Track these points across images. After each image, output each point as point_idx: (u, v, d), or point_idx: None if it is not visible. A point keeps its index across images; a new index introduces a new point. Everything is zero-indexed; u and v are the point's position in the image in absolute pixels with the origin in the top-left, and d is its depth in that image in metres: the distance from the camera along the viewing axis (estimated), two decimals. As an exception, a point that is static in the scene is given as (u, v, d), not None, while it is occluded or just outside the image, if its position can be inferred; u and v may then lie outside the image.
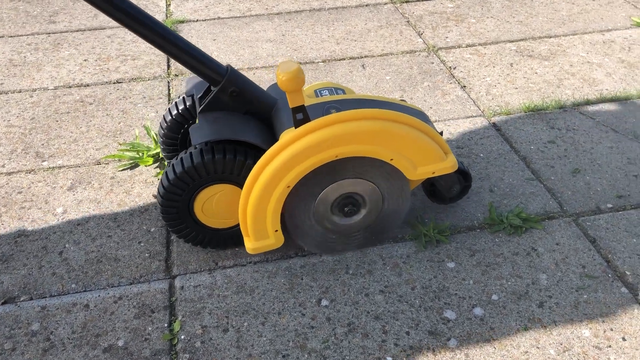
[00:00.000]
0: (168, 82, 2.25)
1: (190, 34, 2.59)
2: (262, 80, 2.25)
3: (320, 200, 1.39)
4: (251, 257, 1.50)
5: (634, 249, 1.51)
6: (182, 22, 2.69)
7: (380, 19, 2.70)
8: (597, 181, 1.74)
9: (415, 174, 1.38)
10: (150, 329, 1.33)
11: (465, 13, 2.74)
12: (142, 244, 1.54)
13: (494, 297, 1.39)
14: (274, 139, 1.42)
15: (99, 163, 1.83)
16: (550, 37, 2.52)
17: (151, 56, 2.42)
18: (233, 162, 1.35)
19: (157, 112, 2.07)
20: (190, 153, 1.35)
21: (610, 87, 2.17)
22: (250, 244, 1.38)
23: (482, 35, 2.55)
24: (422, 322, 1.34)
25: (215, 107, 1.40)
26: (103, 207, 1.66)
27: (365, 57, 2.41)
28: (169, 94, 2.18)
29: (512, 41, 2.50)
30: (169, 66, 2.35)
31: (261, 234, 1.37)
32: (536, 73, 2.27)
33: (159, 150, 1.83)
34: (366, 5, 2.84)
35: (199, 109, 1.41)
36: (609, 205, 1.65)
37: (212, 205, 1.42)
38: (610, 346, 1.28)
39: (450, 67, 2.32)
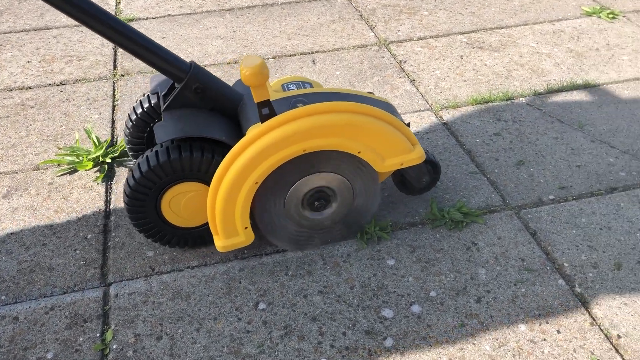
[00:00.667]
0: (113, 83, 2.20)
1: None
2: (211, 78, 2.21)
3: (290, 195, 1.38)
4: (189, 262, 1.47)
5: (573, 240, 1.52)
6: (131, 20, 2.63)
7: (333, 13, 2.68)
8: (541, 173, 1.74)
9: (383, 166, 1.38)
10: (81, 339, 1.30)
11: (419, 5, 2.73)
12: (77, 252, 1.50)
13: (432, 293, 1.39)
14: (240, 134, 1.40)
15: (37, 169, 1.78)
16: (502, 28, 2.53)
17: (97, 56, 2.36)
18: (199, 159, 1.33)
19: (100, 114, 2.02)
20: (156, 151, 1.33)
21: (558, 78, 2.17)
22: (220, 242, 1.37)
23: (433, 27, 2.54)
24: (360, 322, 1.32)
25: (180, 104, 1.38)
26: (39, 214, 1.62)
27: (316, 52, 2.39)
28: (114, 95, 2.13)
29: (464, 33, 2.50)
30: (115, 66, 2.30)
31: (231, 231, 1.36)
32: (485, 65, 2.26)
33: (99, 153, 1.78)
34: (319, 0, 2.82)
35: (163, 107, 1.39)
36: (551, 197, 1.65)
37: (179, 203, 1.40)
38: (545, 339, 1.28)
39: (400, 61, 2.31)
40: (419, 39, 2.46)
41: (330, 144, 1.29)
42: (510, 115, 1.99)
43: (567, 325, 1.31)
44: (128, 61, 2.32)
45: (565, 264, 1.45)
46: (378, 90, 2.13)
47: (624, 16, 2.58)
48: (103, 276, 1.44)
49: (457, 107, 2.03)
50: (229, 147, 1.34)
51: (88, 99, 2.11)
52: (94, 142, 1.84)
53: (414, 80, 2.19)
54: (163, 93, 1.44)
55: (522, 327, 1.31)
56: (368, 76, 2.22)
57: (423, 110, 2.02)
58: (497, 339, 1.28)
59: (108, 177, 1.75)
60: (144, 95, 1.55)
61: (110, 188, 1.71)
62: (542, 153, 1.82)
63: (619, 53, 2.31)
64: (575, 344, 1.27)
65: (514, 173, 1.74)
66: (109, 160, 1.78)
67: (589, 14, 2.60)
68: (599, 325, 1.31)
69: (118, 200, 1.66)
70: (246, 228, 1.36)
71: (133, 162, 1.72)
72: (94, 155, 1.78)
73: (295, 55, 2.37)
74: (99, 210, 1.63)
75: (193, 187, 1.38)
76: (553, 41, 2.41)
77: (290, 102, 1.39)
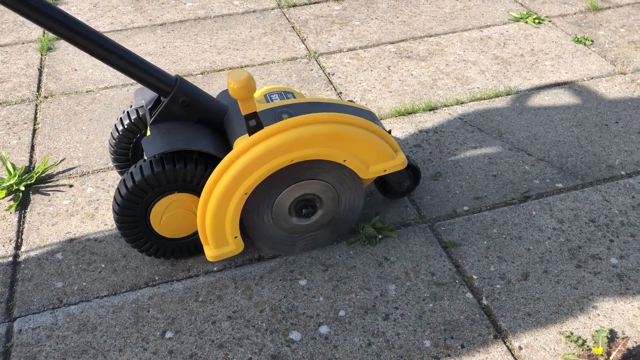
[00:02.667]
0: (36, 106, 2.15)
1: (67, 52, 2.49)
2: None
3: (278, 203, 1.42)
4: (98, 292, 1.45)
5: (483, 252, 1.54)
6: (59, 39, 2.58)
7: (266, 26, 2.67)
8: (457, 184, 1.77)
9: (367, 173, 1.43)
10: (-20, 379, 1.27)
11: (351, 15, 2.74)
12: (-17, 286, 1.47)
13: (342, 313, 1.39)
14: (227, 146, 1.43)
15: (-52, 199, 1.74)
16: (431, 36, 2.55)
17: (21, 78, 2.31)
18: (187, 171, 1.36)
19: (19, 138, 1.98)
20: (141, 166, 1.35)
21: (482, 86, 2.21)
22: (210, 252, 1.40)
23: (364, 38, 2.56)
24: (267, 347, 1.32)
25: (167, 117, 1.40)
26: (-54, 248, 1.58)
27: (245, 66, 2.38)
28: (35, 119, 2.08)
29: (393, 42, 2.51)
30: (39, 88, 2.26)
31: (221, 241, 1.39)
32: (412, 75, 2.28)
33: (13, 181, 1.74)
34: (253, 12, 2.81)
35: (150, 121, 1.40)
36: (465, 208, 1.67)
37: (168, 215, 1.42)
38: (449, 355, 1.30)
39: (328, 74, 2.31)
40: (349, 50, 2.47)
41: (316, 153, 1.34)
42: (431, 125, 2.01)
43: (472, 340, 1.33)
44: (53, 82, 2.28)
45: (474, 277, 1.47)
46: (304, 104, 2.13)
47: (549, 21, 2.63)
48: (8, 311, 1.41)
49: (381, 119, 2.05)
50: (217, 159, 1.37)
51: (8, 124, 2.06)
52: (7, 169, 1.80)
53: (340, 92, 2.20)
54: (149, 107, 1.46)
55: (427, 343, 1.32)
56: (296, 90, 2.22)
57: (347, 124, 2.03)
58: (401, 357, 1.29)
59: (22, 206, 1.71)
60: (128, 108, 1.57)
61: (24, 217, 1.68)
62: (460, 163, 1.84)
63: (542, 58, 2.35)
64: (478, 358, 1.29)
65: (430, 185, 1.76)
66: (22, 188, 1.74)
67: (516, 20, 2.65)
68: (502, 338, 1.33)
69: (31, 230, 1.63)
70: (236, 237, 1.40)
71: (118, 174, 1.74)
72: (8, 184, 1.74)
73: (224, 70, 2.35)
74: (10, 240, 1.60)
75: (182, 198, 1.41)
76: (480, 48, 2.45)
77: (276, 113, 1.43)
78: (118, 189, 1.38)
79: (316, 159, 1.36)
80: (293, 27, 2.66)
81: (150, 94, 1.52)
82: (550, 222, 1.62)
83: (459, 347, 1.31)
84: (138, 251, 1.49)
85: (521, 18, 2.64)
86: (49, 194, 1.75)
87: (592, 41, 2.45)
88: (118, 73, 2.33)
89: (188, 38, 2.59)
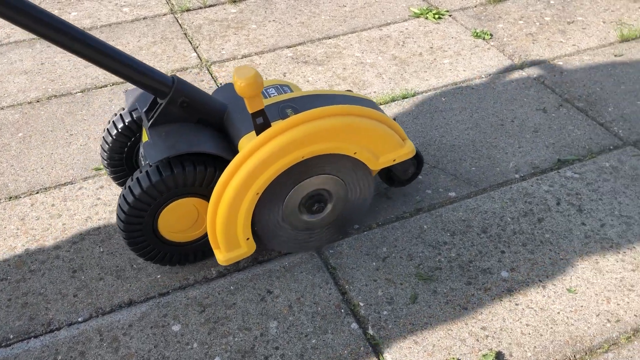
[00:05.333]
0: None
1: None
2: (7, 121, 1.98)
3: (288, 201, 1.39)
4: (-58, 359, 1.29)
5: (372, 275, 1.46)
6: None
7: (156, 34, 2.50)
8: (349, 199, 1.68)
9: (377, 164, 1.42)
10: None
11: (248, 18, 2.61)
12: None
13: (217, 359, 1.28)
14: (230, 145, 1.39)
15: None
16: (329, 38, 2.45)
17: None
18: (194, 174, 1.32)
19: None
20: (148, 171, 1.30)
21: (379, 90, 2.13)
22: (221, 256, 1.37)
23: (260, 42, 2.43)
24: (131, 407, 1.20)
25: (165, 119, 1.35)
26: None
27: (131, 81, 2.21)
28: None
29: (290, 46, 2.40)
30: None
31: (232, 244, 1.36)
32: (308, 81, 2.18)
33: None
34: (143, 19, 2.63)
35: (148, 124, 1.35)
36: (355, 226, 1.59)
37: (176, 220, 1.38)
38: (330, 397, 1.21)
39: (220, 84, 2.18)
40: (243, 56, 2.34)
41: (327, 148, 1.31)
42: (325, 136, 1.92)
43: (355, 377, 1.25)
44: None
45: (361, 304, 1.39)
46: (192, 120, 1.99)
47: (450, 15, 2.58)
48: None
49: (273, 132, 1.94)
50: (221, 159, 1.34)
51: None
52: None
53: (232, 104, 2.07)
54: (144, 109, 1.39)
55: (308, 385, 1.23)
56: (183, 104, 2.07)
57: (237, 139, 1.91)
58: (280, 405, 1.20)
59: None
60: (120, 111, 1.50)
61: None
62: (353, 177, 1.76)
63: (440, 57, 2.30)
64: (361, 397, 1.21)
65: (321, 203, 1.67)
66: None
67: (417, 16, 2.58)
68: (387, 372, 1.26)
69: None
70: (248, 239, 1.37)
71: (113, 180, 1.64)
72: None
73: (106, 86, 2.18)
74: None
75: (189, 202, 1.36)
76: (379, 49, 2.36)
77: (279, 108, 1.40)
78: (123, 196, 1.32)
79: (326, 154, 1.34)
80: (185, 34, 2.50)
81: (142, 95, 1.47)
82: (442, 236, 1.55)
83: (341, 387, 1.22)
84: (144, 260, 1.43)
85: (421, 14, 2.57)
86: None
87: (491, 35, 2.41)
88: None
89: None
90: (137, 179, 1.30)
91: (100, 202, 1.67)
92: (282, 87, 1.52)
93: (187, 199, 1.35)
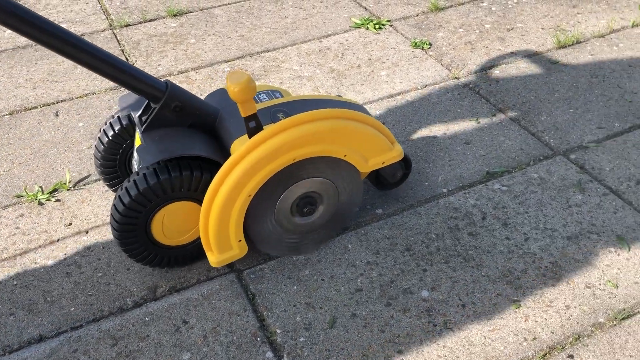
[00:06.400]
0: None
1: None
2: None
3: (280, 203, 1.42)
4: None
5: (291, 299, 1.43)
6: None
7: (92, 51, 2.45)
8: (275, 220, 1.66)
9: (366, 167, 1.47)
10: None
11: (187, 32, 2.57)
12: None
13: (125, 396, 1.25)
14: (222, 149, 1.43)
15: None
16: (269, 51, 2.43)
17: None
18: (188, 178, 1.34)
19: None
20: (144, 174, 1.32)
21: (314, 103, 2.11)
22: (214, 258, 1.39)
23: (198, 57, 2.39)
24: None
25: (159, 124, 1.38)
26: None
27: (62, 101, 2.16)
28: None
29: (228, 61, 2.37)
30: None
31: (225, 246, 1.39)
32: (243, 97, 2.15)
33: None
34: (81, 35, 2.57)
35: (141, 128, 1.38)
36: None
37: (169, 223, 1.40)
38: None
39: (154, 102, 2.14)
40: (180, 72, 2.30)
41: (318, 150, 1.36)
42: (256, 154, 1.89)
43: (265, 409, 1.22)
44: None
45: (278, 331, 1.36)
46: (121, 141, 1.95)
47: (391, 25, 2.57)
48: None
49: (203, 152, 1.90)
50: (213, 163, 1.37)
51: None
52: None
53: (164, 123, 2.03)
54: (138, 114, 1.42)
55: (217, 420, 1.20)
56: (114, 125, 2.03)
57: (166, 160, 1.87)
58: None
59: None
60: (113, 116, 1.53)
61: None
62: (281, 196, 1.73)
63: (378, 68, 2.28)
64: None
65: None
66: None
67: (357, 26, 2.56)
68: (299, 402, 1.23)
69: None
70: (240, 241, 1.40)
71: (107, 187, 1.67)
72: None
73: (36, 107, 2.12)
74: None
75: (182, 206, 1.39)
76: (317, 61, 2.34)
77: (270, 113, 1.44)
78: (119, 197, 1.34)
79: (316, 156, 1.37)
80: (122, 50, 2.45)
81: (134, 100, 1.49)
82: (365, 256, 1.53)
83: (251, 421, 1.20)
84: (136, 262, 1.45)
85: (362, 24, 2.55)
86: None
87: (430, 45, 2.40)
88: None
89: (1, 72, 2.33)
90: (134, 180, 1.33)
91: (18, 231, 1.63)
92: (273, 93, 1.57)
93: (179, 202, 1.39)
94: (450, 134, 1.94)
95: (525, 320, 1.37)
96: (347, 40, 2.48)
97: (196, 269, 1.51)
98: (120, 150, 1.55)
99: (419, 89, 2.16)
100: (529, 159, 1.83)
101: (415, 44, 2.40)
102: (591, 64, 2.27)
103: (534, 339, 1.33)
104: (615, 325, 1.35)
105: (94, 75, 2.30)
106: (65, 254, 1.56)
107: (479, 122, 1.99)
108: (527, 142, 1.90)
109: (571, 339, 1.33)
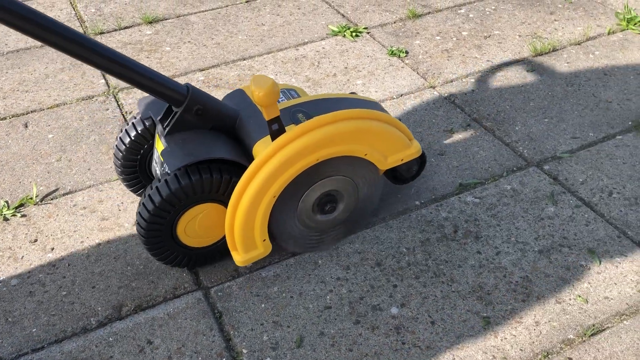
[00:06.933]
0: None
1: None
2: None
3: (303, 202, 1.45)
4: None
5: (259, 318, 1.41)
6: None
7: (65, 60, 2.41)
8: (245, 235, 1.63)
9: (386, 164, 1.50)
10: None
11: (163, 40, 2.54)
12: None
13: (85, 421, 1.22)
14: (245, 151, 1.44)
15: None
16: (244, 59, 2.40)
17: None
18: (213, 181, 1.36)
19: None
20: (166, 180, 1.34)
21: (289, 113, 2.08)
22: (239, 257, 1.43)
23: (172, 66, 2.36)
24: None
25: (181, 127, 1.39)
26: None
27: (32, 112, 2.12)
28: None
29: (203, 69, 2.34)
30: None
31: (250, 246, 1.42)
32: (216, 107, 2.12)
33: None
34: (54, 43, 2.53)
35: (164, 132, 1.39)
36: (249, 265, 1.54)
37: (194, 225, 1.42)
38: None
39: (126, 112, 2.11)
40: (153, 82, 2.27)
41: (340, 150, 1.39)
42: (228, 166, 1.87)
43: None
44: None
45: (244, 350, 1.34)
46: (91, 153, 1.92)
47: (368, 32, 2.55)
48: None
49: (175, 164, 1.87)
50: (237, 165, 1.40)
51: None
52: None
53: (135, 135, 2.00)
54: (159, 117, 1.44)
55: None
56: (84, 136, 1.99)
57: (136, 173, 1.84)
58: None
59: None
60: (134, 119, 1.54)
61: None
62: (252, 210, 1.71)
63: (354, 77, 2.27)
64: None
65: (215, 241, 1.62)
66: None
67: (335, 34, 2.54)
68: None
69: None
70: (264, 240, 1.43)
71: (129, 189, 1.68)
72: None
73: (5, 119, 2.08)
74: None
75: (206, 208, 1.41)
76: (293, 70, 2.32)
77: (290, 113, 1.47)
78: (144, 204, 1.36)
79: (338, 156, 1.41)
80: (96, 58, 2.41)
81: (154, 103, 1.50)
82: (336, 271, 1.51)
83: None
84: (162, 263, 1.48)
85: (339, 32, 2.54)
86: None
87: (406, 53, 2.39)
88: None
89: (-29, 82, 2.29)
90: (157, 187, 1.35)
91: (-18, 248, 1.59)
92: (289, 92, 1.60)
93: (204, 205, 1.41)
94: (424, 145, 1.92)
95: (495, 338, 1.35)
96: (323, 48, 2.46)
97: (163, 286, 1.48)
98: (142, 151, 1.56)
99: (394, 98, 2.15)
100: (502, 170, 1.82)
101: (392, 52, 2.38)
102: (567, 72, 2.27)
103: (504, 357, 1.32)
104: (584, 341, 1.35)
105: (66, 84, 2.26)
106: (29, 272, 1.52)
107: (453, 133, 1.97)
108: (500, 153, 1.89)
109: (540, 357, 1.32)
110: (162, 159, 1.41)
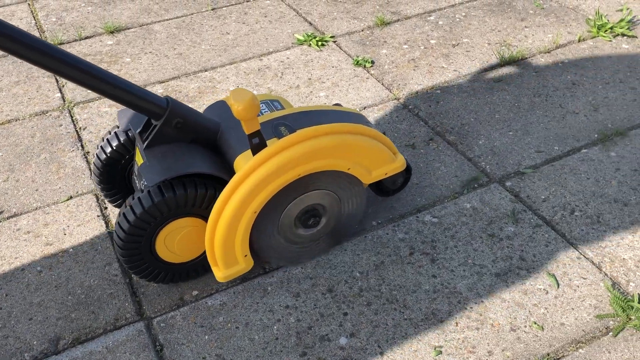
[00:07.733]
0: None
1: None
2: None
3: (285, 216, 1.42)
4: None
5: (201, 350, 1.35)
6: None
7: (21, 72, 2.34)
8: (193, 260, 1.57)
9: (370, 178, 1.48)
10: None
11: (123, 51, 2.47)
12: None
13: None
14: (225, 164, 1.42)
15: None
16: (206, 71, 2.34)
17: None
18: (192, 195, 1.33)
19: None
20: (149, 191, 1.31)
21: (248, 128, 2.02)
22: (220, 273, 1.40)
23: (131, 78, 2.30)
24: None
25: (160, 140, 1.37)
26: None
27: (-17, 128, 2.06)
28: None
29: (163, 82, 2.27)
30: None
31: (230, 261, 1.39)
32: (173, 122, 2.06)
33: None
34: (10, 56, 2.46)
35: (143, 145, 1.37)
36: (194, 293, 1.48)
37: (173, 241, 1.40)
38: None
39: (80, 128, 2.04)
40: (111, 95, 2.20)
41: (322, 165, 1.36)
42: (181, 186, 1.80)
43: None
44: None
45: (184, 386, 1.29)
46: (40, 172, 1.85)
47: (334, 41, 2.49)
48: None
49: (126, 184, 1.81)
50: (217, 179, 1.37)
51: None
52: None
53: (88, 152, 1.94)
54: (138, 130, 1.41)
55: None
56: (35, 154, 1.93)
57: (86, 193, 1.78)
58: None
59: None
60: (110, 132, 1.51)
61: None
62: (202, 232, 1.65)
63: (317, 89, 2.21)
64: None
65: (162, 266, 1.55)
66: None
67: (300, 43, 2.48)
68: None
69: None
70: (246, 255, 1.40)
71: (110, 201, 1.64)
72: None
73: (-46, 136, 2.02)
74: None
75: (185, 223, 1.38)
76: (256, 81, 2.26)
77: (272, 126, 1.43)
78: (124, 215, 1.33)
79: (321, 171, 1.38)
80: (53, 71, 2.34)
81: (134, 116, 1.46)
82: (285, 299, 1.46)
83: None
84: (140, 278, 1.44)
85: (305, 41, 2.48)
86: None
87: (372, 62, 2.33)
88: None
89: None
90: (139, 198, 1.31)
91: None
92: (272, 103, 1.57)
93: (184, 219, 1.37)
94: (384, 161, 1.87)
95: (445, 369, 1.31)
96: (288, 58, 2.40)
97: (104, 317, 1.42)
98: (122, 162, 1.53)
99: (357, 111, 2.09)
100: (462, 187, 1.77)
101: (358, 62, 2.32)
102: (535, 82, 2.22)
103: (453, 389, 1.27)
104: (537, 372, 1.30)
105: (20, 99, 2.19)
106: (-35, 303, 1.46)
107: (414, 148, 1.92)
108: (462, 169, 1.84)
109: (491, 389, 1.27)
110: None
